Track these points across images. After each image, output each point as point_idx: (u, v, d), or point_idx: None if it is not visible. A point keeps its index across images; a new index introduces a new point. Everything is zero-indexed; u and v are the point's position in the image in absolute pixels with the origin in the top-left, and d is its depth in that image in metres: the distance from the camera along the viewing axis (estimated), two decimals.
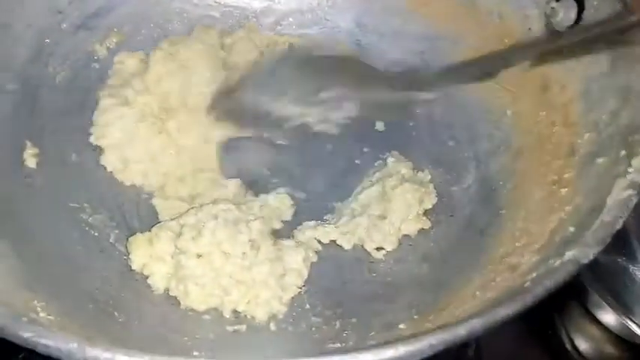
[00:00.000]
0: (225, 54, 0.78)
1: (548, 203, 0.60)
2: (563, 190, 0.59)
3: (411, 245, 0.67)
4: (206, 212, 0.63)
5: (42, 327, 0.40)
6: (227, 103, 0.70)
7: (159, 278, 0.62)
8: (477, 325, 0.40)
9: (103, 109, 0.72)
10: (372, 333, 0.58)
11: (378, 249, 0.67)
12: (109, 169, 0.70)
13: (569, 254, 0.46)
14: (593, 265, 0.52)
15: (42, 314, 0.50)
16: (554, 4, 0.68)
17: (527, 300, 0.42)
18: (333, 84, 0.68)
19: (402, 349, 0.38)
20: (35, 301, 0.51)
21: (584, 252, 0.46)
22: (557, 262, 0.47)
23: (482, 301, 0.53)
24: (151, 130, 0.71)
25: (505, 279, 0.55)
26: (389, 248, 0.67)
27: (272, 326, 0.61)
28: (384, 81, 0.69)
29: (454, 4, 0.78)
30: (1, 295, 0.48)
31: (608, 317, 0.73)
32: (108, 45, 0.78)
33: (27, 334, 0.37)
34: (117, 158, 0.70)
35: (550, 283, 0.44)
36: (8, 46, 0.70)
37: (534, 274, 0.48)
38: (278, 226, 0.68)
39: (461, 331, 0.40)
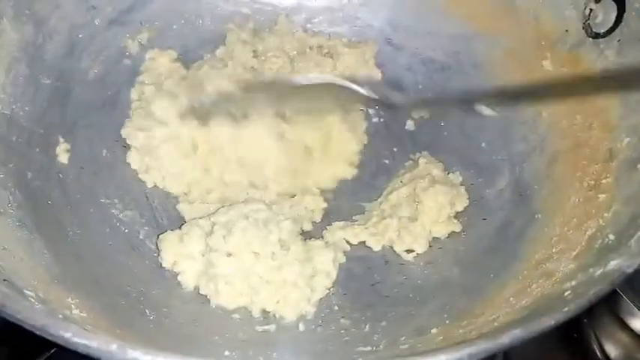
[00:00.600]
0: (257, 62, 0.77)
1: (585, 209, 0.59)
2: (602, 196, 0.58)
3: (441, 248, 0.67)
4: (237, 211, 0.63)
5: (81, 327, 0.40)
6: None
7: (189, 276, 0.62)
8: (519, 334, 0.40)
9: (138, 107, 0.73)
10: (403, 337, 0.57)
11: (408, 251, 0.67)
12: (133, 167, 0.70)
13: (613, 263, 0.45)
14: None
15: (75, 311, 0.51)
16: (593, 6, 0.67)
17: (571, 310, 0.42)
18: None
19: (442, 358, 0.37)
20: (69, 299, 0.52)
21: (629, 261, 0.45)
22: (599, 272, 0.46)
23: (517, 308, 0.52)
24: (179, 149, 0.70)
25: (540, 285, 0.54)
26: (419, 250, 0.66)
27: (301, 326, 0.61)
28: None
29: (490, 4, 0.77)
30: (39, 292, 0.48)
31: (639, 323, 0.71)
32: (140, 40, 0.79)
33: (67, 334, 0.38)
34: (140, 159, 0.71)
35: (594, 293, 0.43)
36: (43, 41, 0.70)
37: (573, 283, 0.48)
38: (308, 227, 0.68)
39: (504, 340, 0.39)
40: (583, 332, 0.75)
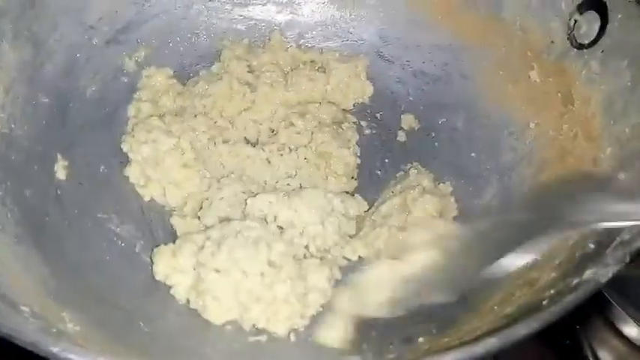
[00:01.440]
0: (252, 77, 0.79)
1: None
2: None
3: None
4: (231, 228, 0.64)
5: (72, 342, 0.42)
6: None
7: (181, 289, 0.63)
8: (493, 343, 0.41)
9: (137, 121, 0.75)
10: (391, 346, 0.58)
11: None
12: (131, 180, 0.72)
13: (588, 273, 0.46)
14: (616, 278, 0.52)
15: (69, 325, 0.52)
16: (577, 17, 0.68)
17: (544, 318, 0.43)
18: None
19: None
20: (64, 313, 0.53)
21: (603, 271, 0.46)
22: (576, 281, 0.47)
23: (499, 316, 0.53)
24: (178, 160, 0.72)
25: (524, 294, 0.55)
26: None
27: (292, 337, 0.62)
28: None
29: (477, 16, 0.78)
30: (34, 307, 0.50)
31: (632, 330, 0.72)
32: (136, 59, 0.81)
33: (56, 349, 0.39)
34: (140, 173, 0.72)
35: (568, 302, 0.44)
36: (42, 60, 0.72)
37: (552, 291, 0.48)
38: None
39: (477, 349, 0.40)
40: (576, 339, 0.76)
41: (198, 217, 0.69)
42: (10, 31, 0.69)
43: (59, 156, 0.71)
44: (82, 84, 0.76)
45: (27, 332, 0.41)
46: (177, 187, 0.72)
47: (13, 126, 0.68)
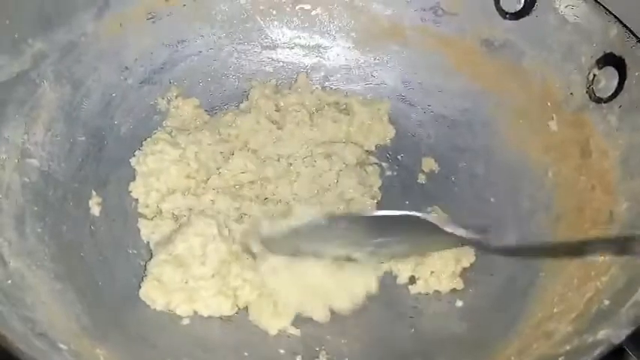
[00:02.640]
0: (279, 115, 0.82)
1: (585, 271, 0.61)
2: (601, 259, 0.60)
3: (450, 303, 0.69)
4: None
5: None
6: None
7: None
8: None
9: (154, 141, 0.78)
10: None
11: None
12: (134, 195, 0.75)
13: (602, 333, 0.48)
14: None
15: None
16: (596, 72, 0.70)
17: None
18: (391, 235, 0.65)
19: None
20: (98, 349, 0.56)
21: (616, 332, 0.47)
22: (590, 339, 0.48)
23: None
24: (181, 174, 0.76)
25: (540, 346, 0.56)
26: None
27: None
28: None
29: (499, 64, 0.80)
30: (71, 344, 0.52)
31: None
32: (168, 98, 0.84)
33: None
34: (143, 186, 0.75)
35: None
36: (80, 100, 0.76)
37: (567, 347, 0.50)
38: None
39: None
40: None
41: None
42: (51, 72, 0.73)
43: (93, 192, 0.74)
44: (116, 122, 0.80)
45: None
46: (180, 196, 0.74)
47: (51, 164, 0.71)
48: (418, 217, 0.62)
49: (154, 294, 0.66)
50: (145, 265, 0.69)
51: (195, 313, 0.66)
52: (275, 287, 0.66)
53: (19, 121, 0.69)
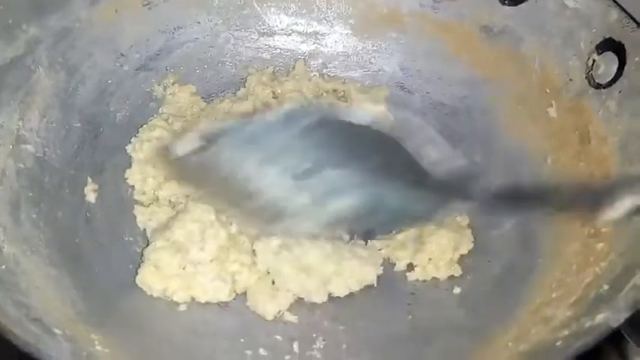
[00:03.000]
0: (276, 102, 0.82)
1: (584, 256, 0.61)
2: (600, 245, 0.60)
3: (447, 289, 0.69)
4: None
5: None
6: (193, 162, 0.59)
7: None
8: None
9: (151, 127, 0.78)
10: None
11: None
12: (130, 182, 0.74)
13: (600, 317, 0.47)
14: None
15: (99, 348, 0.54)
16: (595, 57, 0.70)
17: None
18: (347, 163, 0.56)
19: None
20: (93, 335, 0.56)
21: (614, 316, 0.47)
22: (589, 324, 0.48)
23: (513, 353, 0.54)
24: None
25: (539, 332, 0.56)
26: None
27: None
28: (418, 180, 0.57)
29: (498, 50, 0.80)
30: (66, 329, 0.52)
31: None
32: (165, 85, 0.83)
33: None
34: (139, 173, 0.75)
35: (580, 345, 0.45)
36: (75, 87, 0.76)
37: (566, 332, 0.50)
38: None
39: None
40: None
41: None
42: (45, 58, 0.72)
43: (89, 179, 0.74)
44: (112, 109, 0.79)
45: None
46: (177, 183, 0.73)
47: (47, 150, 0.71)
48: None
49: (151, 280, 0.66)
50: (142, 252, 0.69)
51: (193, 299, 0.66)
52: (273, 268, 0.66)
53: (14, 107, 0.68)
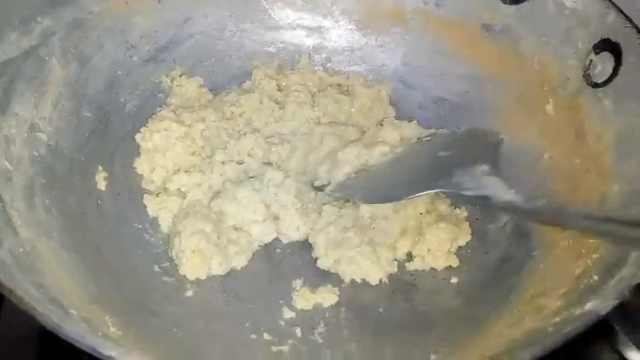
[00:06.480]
0: (281, 95, 0.84)
1: (576, 249, 0.63)
2: (590, 239, 0.62)
3: (445, 279, 0.72)
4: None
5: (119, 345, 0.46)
6: None
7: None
8: None
9: (160, 118, 0.80)
10: None
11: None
12: (139, 171, 0.77)
13: (589, 305, 0.50)
14: (621, 306, 0.55)
15: (112, 329, 0.57)
16: (592, 57, 0.72)
17: (546, 345, 0.46)
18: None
19: None
20: (106, 317, 0.58)
21: (603, 304, 0.49)
22: (578, 311, 0.50)
23: (507, 340, 0.56)
24: (187, 151, 0.78)
25: (532, 320, 0.58)
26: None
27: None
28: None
29: (499, 48, 0.82)
30: (81, 311, 0.55)
31: (636, 357, 0.75)
32: (172, 76, 0.85)
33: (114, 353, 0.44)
34: (147, 163, 0.77)
35: (568, 332, 0.48)
36: (86, 77, 0.78)
37: (557, 319, 0.52)
38: None
39: None
40: None
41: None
42: (58, 48, 0.74)
43: (100, 167, 0.76)
44: (122, 99, 0.81)
45: (87, 336, 0.46)
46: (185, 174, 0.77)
47: (58, 138, 0.73)
48: None
49: (194, 265, 0.70)
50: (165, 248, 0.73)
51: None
52: None
53: (29, 97, 0.70)
